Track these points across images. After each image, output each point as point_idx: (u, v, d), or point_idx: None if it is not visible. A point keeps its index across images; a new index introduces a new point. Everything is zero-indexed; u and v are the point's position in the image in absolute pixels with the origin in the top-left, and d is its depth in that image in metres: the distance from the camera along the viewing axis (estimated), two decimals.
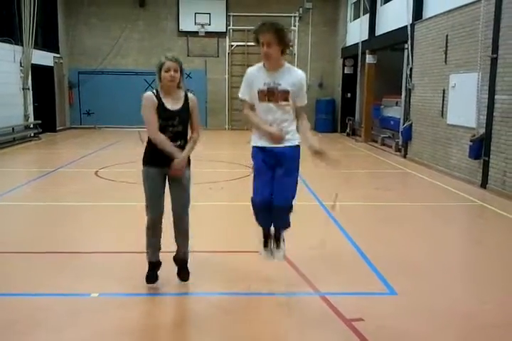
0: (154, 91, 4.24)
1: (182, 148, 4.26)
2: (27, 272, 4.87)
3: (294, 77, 4.06)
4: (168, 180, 4.31)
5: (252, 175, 4.25)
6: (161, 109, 4.17)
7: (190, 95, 4.31)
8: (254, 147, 4.23)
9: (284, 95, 4.03)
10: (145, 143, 4.30)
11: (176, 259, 4.57)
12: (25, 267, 5.00)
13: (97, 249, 5.62)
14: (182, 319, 4.11)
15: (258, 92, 4.04)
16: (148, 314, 4.09)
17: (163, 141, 4.15)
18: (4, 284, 4.59)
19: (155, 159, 4.23)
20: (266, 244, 4.39)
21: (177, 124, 4.20)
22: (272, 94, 4.02)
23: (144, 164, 4.31)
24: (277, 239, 4.40)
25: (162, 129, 4.18)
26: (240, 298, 4.32)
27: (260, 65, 4.13)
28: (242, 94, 4.18)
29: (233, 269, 4.90)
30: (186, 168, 4.30)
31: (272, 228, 4.37)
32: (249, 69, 4.17)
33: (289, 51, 4.11)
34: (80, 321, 3.89)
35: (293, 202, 4.22)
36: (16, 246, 5.63)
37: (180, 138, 4.26)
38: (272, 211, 4.19)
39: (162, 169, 4.23)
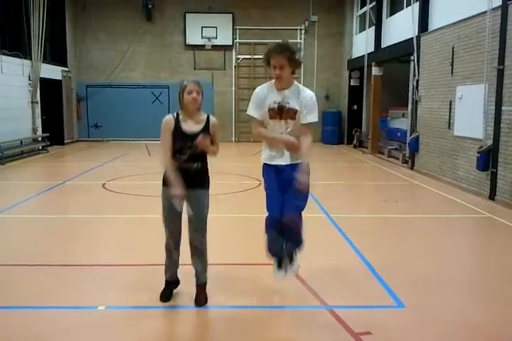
0: (175, 114, 4.26)
1: (199, 171, 4.24)
2: (30, 285, 4.86)
3: (302, 97, 4.13)
4: (187, 200, 4.27)
5: (264, 192, 4.29)
6: (177, 131, 4.19)
7: (212, 118, 4.32)
8: (265, 164, 4.28)
9: (292, 114, 4.10)
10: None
11: (196, 282, 4.50)
12: (29, 280, 4.99)
13: (104, 262, 5.61)
14: (192, 333, 4.07)
15: (269, 110, 4.11)
16: (158, 328, 4.05)
17: (167, 168, 4.16)
18: (7, 297, 4.58)
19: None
20: (280, 265, 4.37)
21: (194, 146, 4.17)
22: (281, 112, 4.09)
23: (163, 184, 4.30)
24: (290, 255, 4.41)
25: (179, 151, 4.18)
26: (249, 312, 4.28)
27: (269, 83, 4.18)
28: (251, 111, 4.21)
29: (243, 282, 4.87)
30: (205, 189, 4.32)
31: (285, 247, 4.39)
32: (258, 89, 4.22)
33: (298, 70, 4.17)
34: (86, 335, 3.87)
35: (302, 215, 4.27)
36: (21, 259, 5.62)
37: (198, 161, 4.23)
38: (284, 222, 4.21)
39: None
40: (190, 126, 4.21)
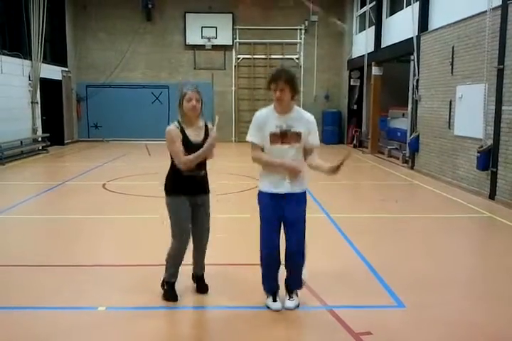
0: (176, 123, 4.27)
1: (204, 177, 4.40)
2: (31, 285, 4.86)
3: (304, 120, 4.18)
4: (192, 206, 4.35)
5: (259, 221, 4.24)
6: (185, 142, 4.22)
7: (209, 125, 4.38)
8: (261, 192, 4.24)
9: (296, 137, 4.13)
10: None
11: (194, 276, 4.66)
12: (29, 280, 5.00)
13: (105, 262, 5.62)
14: (192, 333, 4.07)
15: (270, 135, 4.11)
16: (159, 329, 4.05)
17: (189, 158, 4.17)
18: (7, 297, 4.58)
19: (181, 188, 4.28)
20: (274, 299, 4.32)
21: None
22: (285, 137, 4.11)
23: (168, 194, 4.33)
24: (290, 292, 4.38)
25: None
26: (249, 312, 4.29)
27: (269, 108, 4.21)
28: (251, 137, 4.18)
29: (243, 282, 4.87)
30: (209, 194, 4.46)
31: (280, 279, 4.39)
32: (259, 113, 4.22)
33: (297, 97, 4.23)
34: (86, 336, 3.87)
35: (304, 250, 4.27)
36: (21, 259, 5.62)
37: (203, 168, 4.35)
38: (286, 260, 4.23)
39: (187, 197, 4.29)
40: (193, 135, 4.26)
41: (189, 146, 4.20)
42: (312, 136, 4.21)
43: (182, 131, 4.23)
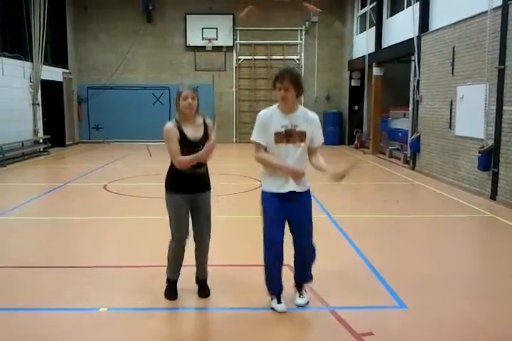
0: (174, 121, 4.31)
1: (204, 174, 4.40)
2: (32, 287, 4.86)
3: (309, 119, 4.21)
4: (191, 203, 4.38)
5: (263, 221, 4.23)
6: (183, 139, 4.24)
7: (207, 121, 4.41)
8: (265, 192, 4.24)
9: (301, 136, 4.16)
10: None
11: (197, 279, 4.64)
12: (30, 282, 5.00)
13: (107, 263, 5.62)
14: (194, 334, 4.07)
15: (275, 134, 4.13)
16: (160, 330, 4.05)
17: (185, 159, 4.18)
18: (9, 299, 4.58)
19: (179, 185, 4.31)
20: (279, 301, 4.30)
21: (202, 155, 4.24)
22: (290, 136, 4.13)
23: (167, 190, 4.37)
24: (299, 287, 4.44)
25: None
26: (251, 313, 4.29)
27: (273, 108, 4.24)
28: (255, 137, 4.20)
29: (244, 283, 4.87)
30: (210, 191, 4.46)
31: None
32: (263, 113, 4.24)
33: (301, 95, 4.27)
34: (88, 337, 3.87)
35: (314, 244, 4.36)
36: (22, 261, 5.62)
37: (203, 165, 4.36)
38: (296, 253, 4.29)
39: (186, 195, 4.32)
40: (191, 133, 4.28)
41: (187, 143, 4.23)
42: (316, 134, 4.25)
43: (179, 128, 4.26)
